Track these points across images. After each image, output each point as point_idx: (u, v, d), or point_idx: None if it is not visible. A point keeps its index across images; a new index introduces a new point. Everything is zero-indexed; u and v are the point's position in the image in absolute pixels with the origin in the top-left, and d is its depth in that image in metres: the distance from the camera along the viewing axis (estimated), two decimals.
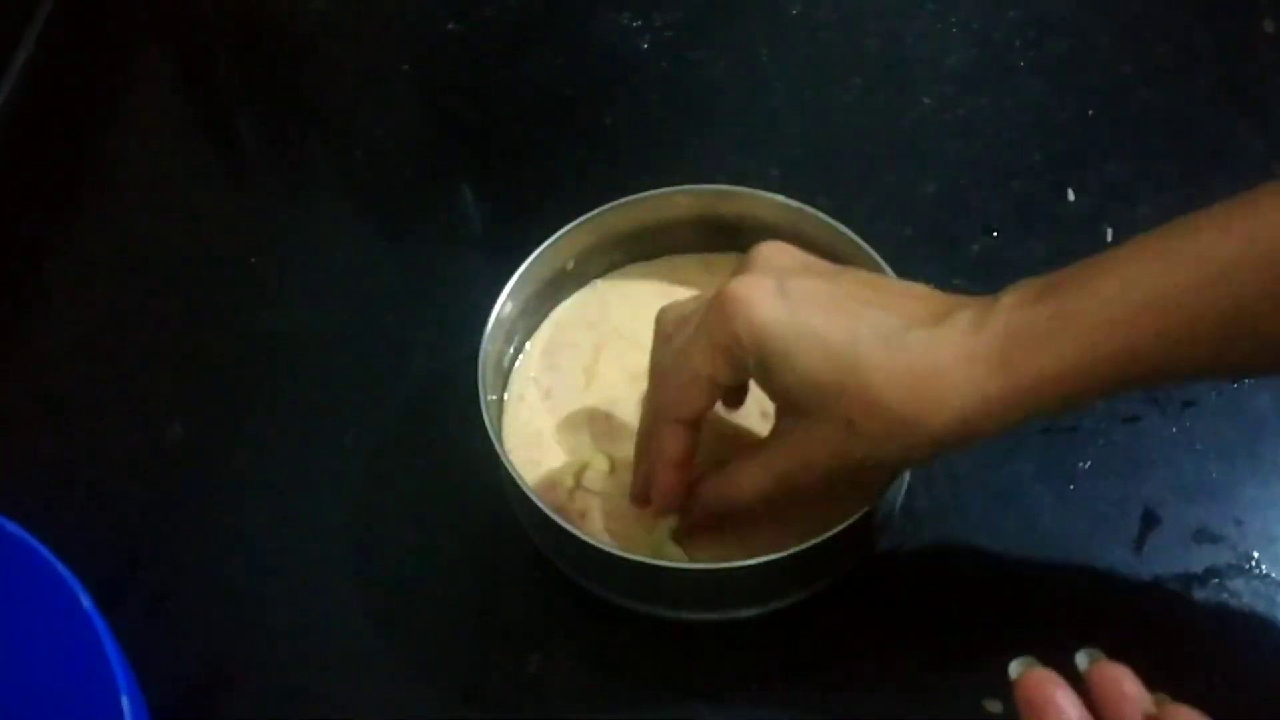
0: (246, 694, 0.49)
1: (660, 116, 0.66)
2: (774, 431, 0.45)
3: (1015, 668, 0.40)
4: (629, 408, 0.52)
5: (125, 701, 0.40)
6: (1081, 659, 0.40)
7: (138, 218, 0.65)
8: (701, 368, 0.42)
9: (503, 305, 0.50)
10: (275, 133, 0.69)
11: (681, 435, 0.45)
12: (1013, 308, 0.39)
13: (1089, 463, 0.53)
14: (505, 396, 0.53)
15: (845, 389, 0.39)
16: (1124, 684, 0.38)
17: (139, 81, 0.71)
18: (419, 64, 0.70)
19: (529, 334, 0.54)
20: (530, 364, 0.53)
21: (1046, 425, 0.54)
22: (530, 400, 0.52)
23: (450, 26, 0.70)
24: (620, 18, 0.69)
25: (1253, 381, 0.54)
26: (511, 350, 0.53)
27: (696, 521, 0.47)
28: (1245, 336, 0.38)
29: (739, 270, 0.43)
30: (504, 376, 0.53)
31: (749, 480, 0.44)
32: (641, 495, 0.47)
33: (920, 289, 0.42)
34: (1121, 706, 0.38)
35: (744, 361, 0.42)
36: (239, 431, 0.56)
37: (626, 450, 0.51)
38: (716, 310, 0.41)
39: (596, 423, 0.52)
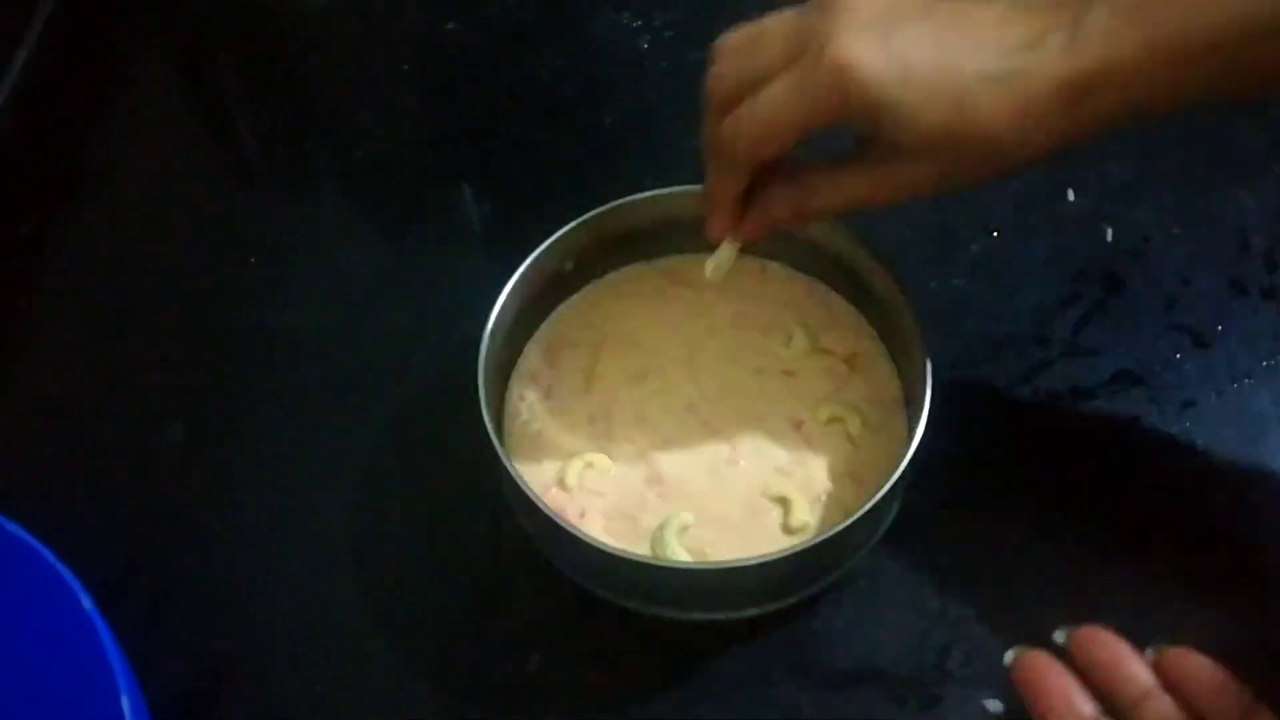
0: (246, 694, 0.49)
1: (660, 116, 0.66)
2: (862, 157, 0.44)
3: (1010, 654, 0.42)
4: (629, 408, 0.52)
5: (125, 701, 0.40)
6: (1059, 635, 0.42)
7: (138, 218, 0.65)
8: (796, 117, 0.42)
9: (503, 305, 0.50)
10: (275, 133, 0.69)
11: (745, 176, 0.45)
12: (1107, 28, 0.39)
13: (1089, 463, 0.53)
14: (505, 396, 0.53)
15: (952, 131, 0.40)
16: (1099, 636, 0.41)
17: (139, 81, 0.71)
18: (419, 64, 0.70)
19: (529, 334, 0.54)
20: (530, 364, 0.53)
21: (1047, 425, 0.54)
22: (530, 400, 0.52)
23: (450, 26, 0.70)
24: (620, 18, 0.69)
25: (1253, 381, 0.54)
26: (511, 350, 0.53)
27: (755, 230, 0.48)
28: None
29: (826, 13, 0.42)
30: (504, 376, 0.53)
31: (824, 199, 0.45)
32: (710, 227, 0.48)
33: (998, 8, 0.41)
34: (1105, 660, 0.40)
35: (848, 113, 0.42)
36: (239, 431, 0.56)
37: (627, 450, 0.51)
38: (823, 74, 0.41)
39: (596, 423, 0.52)
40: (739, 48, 0.45)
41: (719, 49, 0.46)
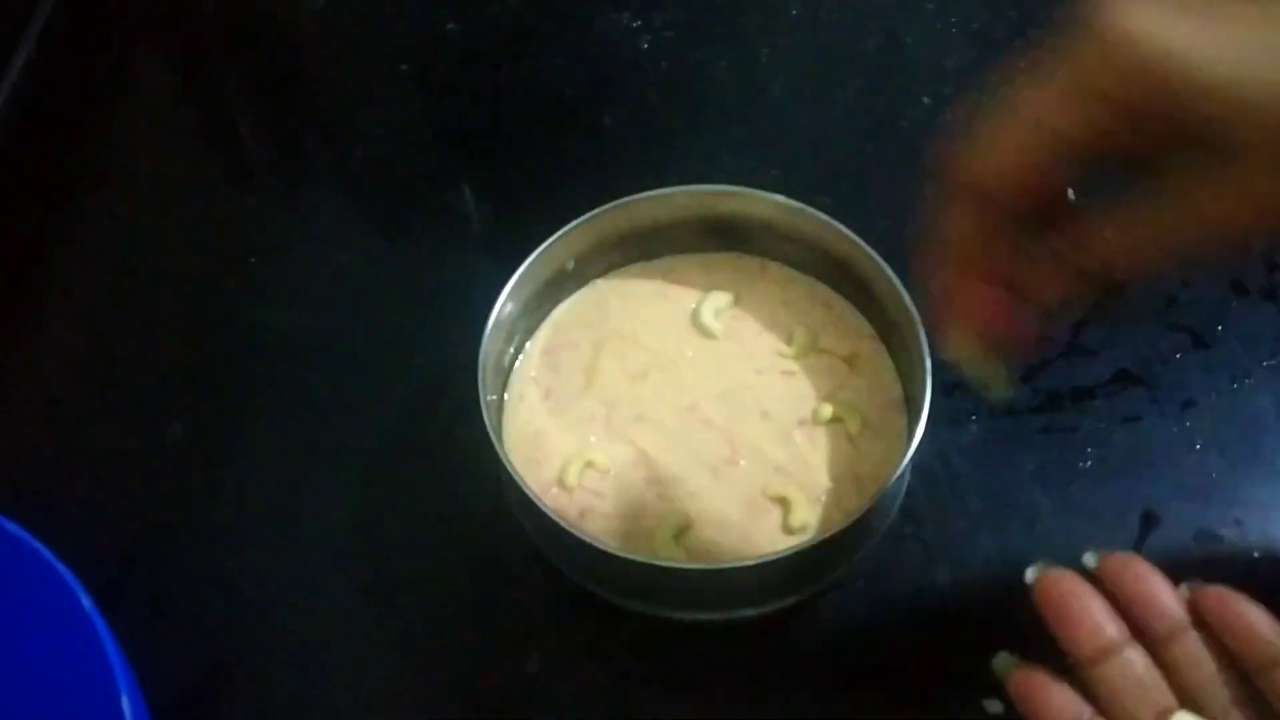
0: (246, 694, 0.49)
1: (660, 116, 0.66)
2: (1171, 193, 0.32)
3: (1031, 571, 0.39)
4: (629, 408, 0.52)
5: (125, 701, 0.40)
6: (1089, 558, 0.39)
7: (138, 218, 0.65)
8: (1052, 118, 0.31)
9: (503, 305, 0.50)
10: (275, 133, 0.69)
11: (980, 213, 0.33)
12: None
13: (1089, 463, 0.53)
14: (505, 396, 0.53)
15: None
16: (1132, 564, 0.38)
17: (139, 81, 0.71)
18: (419, 64, 0.70)
19: (529, 334, 0.54)
20: (530, 364, 0.53)
21: (1046, 425, 0.54)
22: (530, 400, 0.52)
23: (450, 26, 0.70)
24: (620, 18, 0.69)
25: (1253, 381, 0.54)
26: (511, 350, 0.53)
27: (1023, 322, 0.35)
28: None
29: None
30: (504, 376, 0.53)
31: (1138, 250, 0.33)
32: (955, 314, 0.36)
33: None
34: (1137, 590, 0.38)
35: (1131, 107, 0.30)
36: (239, 431, 0.56)
37: (626, 450, 0.51)
38: (1092, 49, 0.30)
39: (596, 423, 0.52)
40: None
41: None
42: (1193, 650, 0.37)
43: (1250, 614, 0.37)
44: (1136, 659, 0.37)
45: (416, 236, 0.63)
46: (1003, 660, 0.41)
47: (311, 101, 0.70)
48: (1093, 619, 0.38)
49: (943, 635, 0.49)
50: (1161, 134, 0.31)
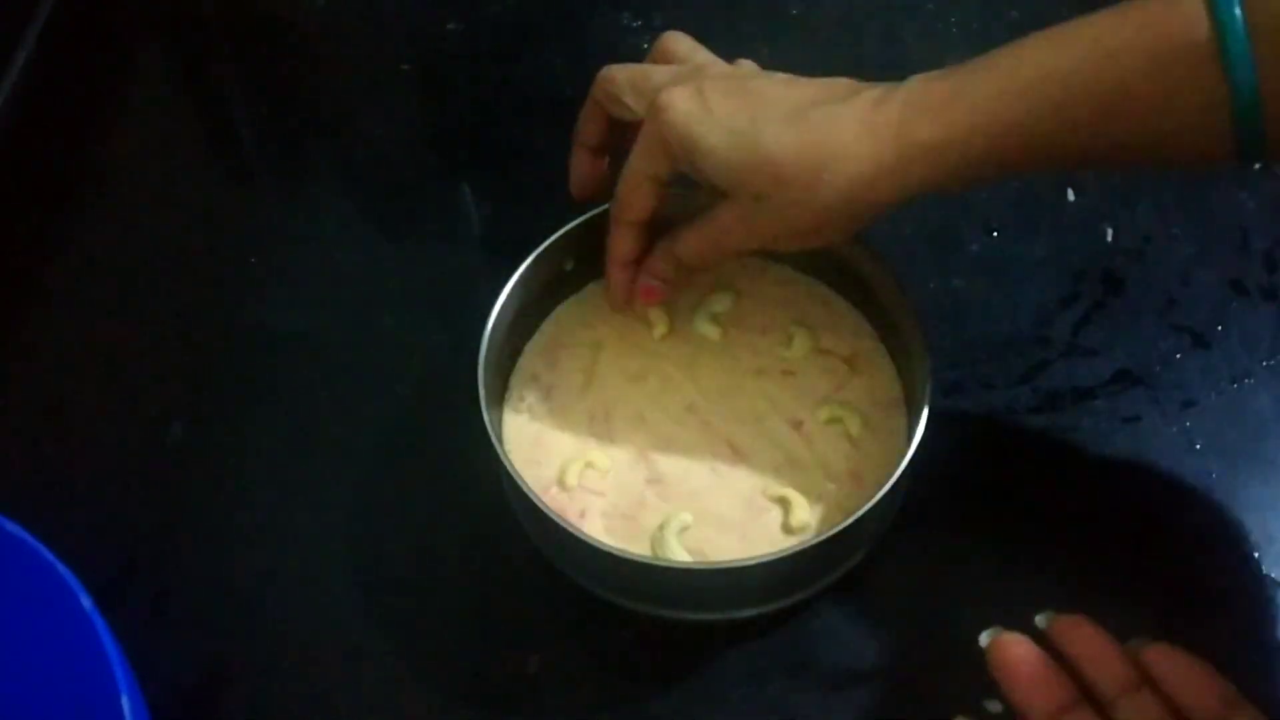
0: (246, 694, 0.49)
1: None
2: (712, 213, 0.48)
3: (985, 636, 0.41)
4: (629, 408, 0.52)
5: (125, 701, 0.40)
6: (1040, 620, 0.41)
7: (138, 217, 0.65)
8: (645, 167, 0.47)
9: (503, 305, 0.50)
10: (275, 133, 0.69)
11: (631, 236, 0.50)
12: (914, 86, 0.43)
13: (1089, 463, 0.53)
14: (505, 396, 0.53)
15: (750, 165, 0.44)
16: (1081, 626, 0.40)
17: (139, 81, 0.71)
18: (419, 64, 0.70)
19: (529, 334, 0.54)
20: (530, 364, 0.53)
21: (1046, 425, 0.54)
22: (530, 400, 0.52)
23: (450, 26, 0.70)
24: (620, 18, 0.69)
25: (1253, 381, 0.54)
26: (511, 350, 0.53)
27: (647, 293, 0.51)
28: (1124, 117, 0.40)
29: (669, 77, 0.48)
30: (504, 376, 0.53)
31: (687, 250, 0.49)
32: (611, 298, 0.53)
33: (837, 81, 0.46)
34: (1085, 650, 0.39)
35: (675, 156, 0.46)
36: (239, 431, 0.56)
37: (627, 451, 0.51)
38: (651, 119, 0.46)
39: (596, 423, 0.52)
40: (631, 70, 0.50)
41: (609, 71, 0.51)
42: (1142, 708, 0.38)
43: (1197, 670, 0.39)
44: None
45: (416, 236, 0.63)
46: (987, 634, 0.41)
47: (311, 101, 0.70)
48: (1042, 681, 0.39)
49: (943, 635, 0.49)
50: (698, 176, 0.46)
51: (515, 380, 0.53)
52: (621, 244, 0.50)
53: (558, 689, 0.49)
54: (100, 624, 0.41)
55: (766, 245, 0.47)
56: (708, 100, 0.45)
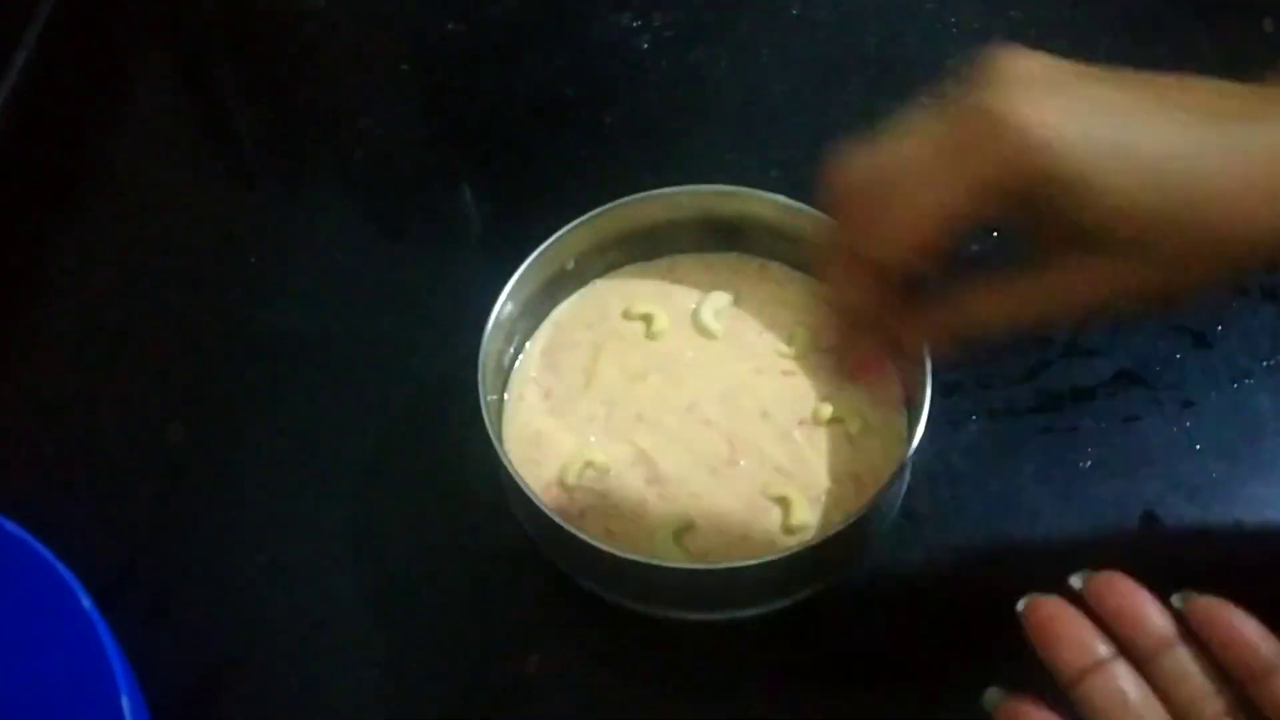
0: (246, 694, 0.49)
1: (660, 116, 0.66)
2: (1030, 264, 0.36)
3: (1023, 602, 0.39)
4: (629, 408, 0.52)
5: (125, 701, 0.40)
6: (1075, 580, 0.39)
7: (138, 217, 0.65)
8: (942, 200, 0.33)
9: (503, 305, 0.50)
10: (275, 133, 0.69)
11: (866, 277, 0.36)
12: None
13: (1089, 463, 0.53)
14: (505, 396, 0.53)
15: (1174, 219, 0.32)
16: (1116, 582, 0.38)
17: (139, 81, 0.71)
18: (419, 64, 0.70)
19: (529, 334, 0.54)
20: (530, 364, 0.53)
21: (1046, 425, 0.54)
22: (530, 400, 0.52)
23: (450, 26, 0.70)
24: (620, 18, 0.69)
25: (1253, 381, 0.54)
26: (511, 350, 0.53)
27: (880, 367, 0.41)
28: None
29: (980, 87, 0.33)
30: (504, 376, 0.53)
31: (994, 316, 0.37)
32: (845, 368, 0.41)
33: (1198, 83, 0.34)
34: (1122, 607, 0.38)
35: (1011, 194, 0.33)
36: (239, 431, 0.56)
37: (626, 450, 0.51)
38: (974, 130, 0.33)
39: (596, 423, 0.52)
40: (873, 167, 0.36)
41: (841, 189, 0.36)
42: (1181, 663, 0.37)
43: (1241, 623, 0.37)
44: (1122, 674, 0.37)
45: (416, 236, 0.63)
46: (992, 694, 0.41)
47: (311, 101, 0.70)
48: (1076, 638, 0.38)
49: (942, 635, 0.49)
50: (1039, 219, 0.34)
51: (515, 380, 0.53)
52: (852, 285, 0.37)
53: (558, 689, 0.49)
54: (100, 624, 0.41)
55: (1135, 305, 0.35)
56: (1090, 116, 0.32)
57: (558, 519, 0.45)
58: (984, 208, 0.33)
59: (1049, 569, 0.50)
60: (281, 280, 0.61)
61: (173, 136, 0.69)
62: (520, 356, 0.54)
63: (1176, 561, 0.50)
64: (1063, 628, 0.38)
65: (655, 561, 0.47)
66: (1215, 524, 0.51)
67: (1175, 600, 0.38)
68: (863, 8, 0.69)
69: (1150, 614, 0.38)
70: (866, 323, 0.38)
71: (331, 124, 0.68)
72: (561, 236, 0.52)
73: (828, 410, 0.51)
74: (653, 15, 0.69)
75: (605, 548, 0.45)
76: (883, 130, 0.35)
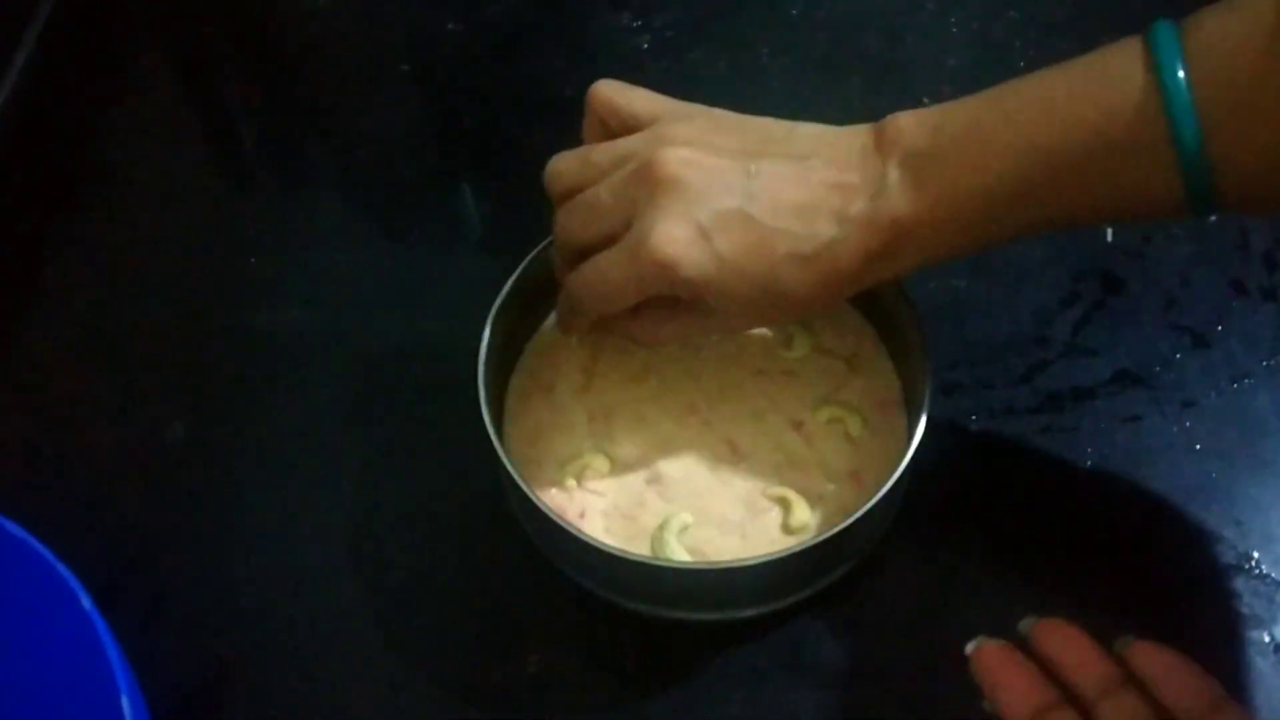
0: (246, 694, 0.49)
1: None
2: (690, 307, 0.47)
3: (971, 645, 0.41)
4: (629, 408, 0.52)
5: (125, 701, 0.40)
6: (1024, 625, 0.42)
7: (138, 218, 0.65)
8: (624, 296, 0.46)
9: (502, 305, 0.50)
10: (275, 133, 0.69)
11: (586, 324, 0.51)
12: (900, 195, 0.43)
13: (1089, 463, 0.53)
14: (505, 396, 0.53)
15: (769, 299, 0.45)
16: (1061, 628, 0.41)
17: (139, 82, 0.71)
18: (419, 64, 0.70)
19: (529, 334, 0.54)
20: (530, 364, 0.53)
21: (1046, 425, 0.54)
22: (530, 400, 0.52)
23: (450, 26, 0.70)
24: (620, 18, 0.69)
25: (1253, 381, 0.54)
26: (512, 350, 0.53)
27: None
28: (1076, 183, 0.41)
29: (651, 191, 0.45)
30: (504, 376, 0.53)
31: (667, 333, 0.49)
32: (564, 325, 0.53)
33: (813, 166, 0.44)
34: (1067, 652, 0.40)
35: (676, 291, 0.45)
36: (239, 431, 0.56)
37: (627, 450, 0.51)
38: (645, 266, 0.44)
39: (596, 423, 0.52)
40: (577, 207, 0.47)
41: (553, 179, 0.49)
42: (1124, 706, 0.38)
43: (1182, 668, 0.39)
44: (1068, 719, 0.38)
45: (416, 236, 0.63)
46: (973, 644, 0.42)
47: (311, 101, 0.70)
48: (1022, 684, 0.40)
49: (942, 635, 0.48)
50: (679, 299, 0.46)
51: (515, 380, 0.53)
52: (585, 322, 0.50)
53: (558, 689, 0.49)
54: (100, 624, 0.41)
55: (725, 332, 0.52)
56: (717, 248, 0.44)
57: (558, 519, 0.45)
58: (653, 293, 0.46)
59: (1048, 569, 0.50)
60: (281, 280, 0.61)
61: (173, 136, 0.69)
62: (520, 356, 0.54)
63: (1176, 562, 0.50)
64: (1009, 675, 0.40)
65: (655, 561, 0.47)
66: (1215, 524, 0.51)
67: (1118, 645, 0.40)
68: (863, 8, 0.69)
69: (1093, 659, 0.40)
70: (580, 326, 0.51)
71: (331, 124, 0.68)
72: None
73: (828, 410, 0.51)
74: (653, 15, 0.69)
75: (605, 548, 0.45)
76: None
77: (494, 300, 0.50)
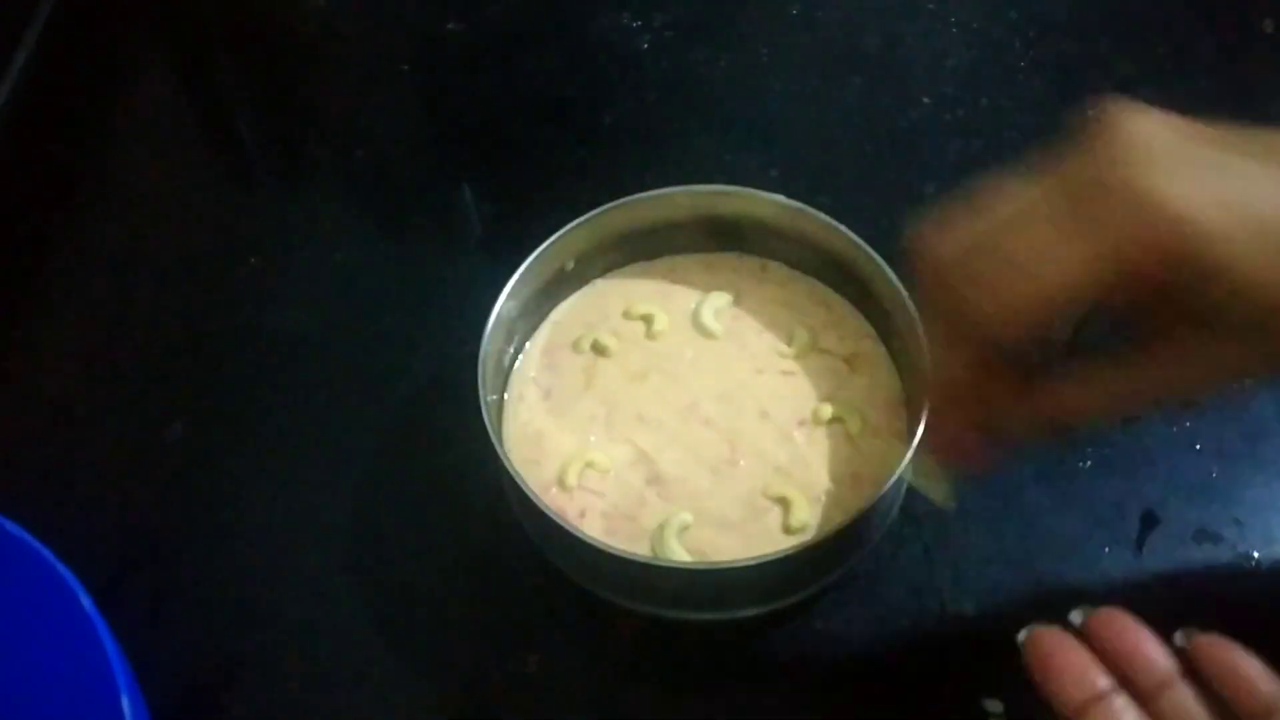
0: (247, 694, 0.49)
1: (660, 116, 0.66)
2: (1155, 342, 0.34)
3: (1024, 633, 0.39)
4: (629, 408, 0.52)
5: (125, 701, 0.40)
6: (1075, 615, 0.39)
7: (138, 218, 0.65)
8: (1068, 279, 0.31)
9: (503, 305, 0.50)
10: (275, 133, 0.69)
11: (969, 352, 0.34)
12: None
13: (1089, 463, 0.53)
14: (505, 396, 0.53)
15: None
16: (1117, 619, 0.38)
17: (139, 82, 0.71)
18: (419, 64, 0.70)
19: (529, 334, 0.54)
20: (530, 364, 0.53)
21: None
22: (530, 400, 0.52)
23: (450, 26, 0.70)
24: (620, 18, 0.69)
25: (1252, 382, 0.54)
26: (511, 350, 0.53)
27: (991, 454, 0.38)
28: None
29: (1103, 157, 0.31)
30: (504, 376, 0.53)
31: (1102, 403, 0.35)
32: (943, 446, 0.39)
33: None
34: (1123, 644, 0.37)
35: (1145, 275, 0.31)
36: (239, 431, 0.56)
37: (626, 450, 0.51)
38: (1105, 206, 0.30)
39: (596, 423, 0.52)
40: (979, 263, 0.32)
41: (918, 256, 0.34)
42: (1182, 701, 0.37)
43: (1244, 662, 0.37)
44: (1123, 708, 0.37)
45: (416, 236, 0.63)
46: (1028, 632, 0.40)
47: (311, 101, 0.70)
48: (1077, 670, 0.37)
49: (942, 635, 0.49)
50: (1161, 301, 0.32)
51: (515, 380, 0.53)
52: (955, 360, 0.35)
53: (558, 689, 0.49)
54: (100, 624, 0.41)
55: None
56: (1236, 191, 0.30)
57: (558, 519, 0.45)
58: (1112, 289, 0.31)
59: (1048, 568, 0.50)
60: (281, 280, 0.61)
61: (173, 136, 0.69)
62: (520, 356, 0.54)
63: (1177, 559, 0.50)
64: (1064, 660, 0.37)
65: (655, 561, 0.47)
66: (1215, 524, 0.51)
67: (1178, 638, 0.38)
68: (863, 8, 0.69)
69: (1151, 651, 0.38)
70: (965, 399, 0.36)
71: (331, 124, 0.68)
72: (561, 236, 0.52)
73: (828, 410, 0.51)
74: (653, 15, 0.69)
75: (605, 548, 0.45)
76: (978, 195, 0.33)
77: (494, 300, 0.50)
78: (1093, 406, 0.35)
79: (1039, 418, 0.36)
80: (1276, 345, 0.32)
